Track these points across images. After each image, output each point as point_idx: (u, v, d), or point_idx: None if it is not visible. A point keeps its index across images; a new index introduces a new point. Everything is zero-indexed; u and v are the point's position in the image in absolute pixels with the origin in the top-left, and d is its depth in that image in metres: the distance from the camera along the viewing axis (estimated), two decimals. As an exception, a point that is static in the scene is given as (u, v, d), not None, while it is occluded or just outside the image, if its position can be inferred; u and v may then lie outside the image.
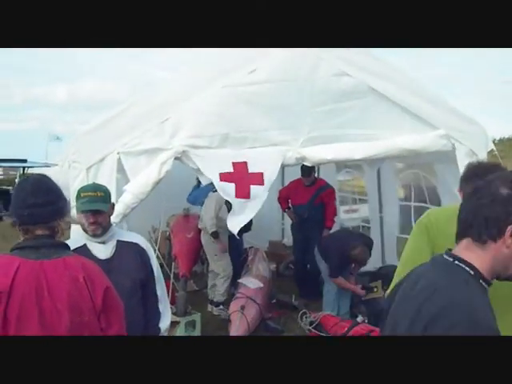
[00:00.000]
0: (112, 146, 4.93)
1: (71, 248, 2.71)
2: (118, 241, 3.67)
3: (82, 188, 3.64)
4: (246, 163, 5.06)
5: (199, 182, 9.19)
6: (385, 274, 7.42)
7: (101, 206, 3.51)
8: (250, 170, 5.06)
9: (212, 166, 5.03)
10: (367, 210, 10.18)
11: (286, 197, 9.01)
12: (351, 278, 7.47)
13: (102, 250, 3.59)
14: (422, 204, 7.29)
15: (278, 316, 7.99)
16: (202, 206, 8.61)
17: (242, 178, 5.02)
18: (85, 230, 3.59)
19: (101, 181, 4.75)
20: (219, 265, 8.14)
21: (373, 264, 7.76)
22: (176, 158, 5.03)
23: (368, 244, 7.24)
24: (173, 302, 7.32)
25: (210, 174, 5.02)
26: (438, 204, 6.82)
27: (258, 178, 5.07)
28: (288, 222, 10.94)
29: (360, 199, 10.21)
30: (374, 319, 7.03)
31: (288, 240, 10.71)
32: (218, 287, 8.15)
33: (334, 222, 8.72)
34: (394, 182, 7.70)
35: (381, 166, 7.89)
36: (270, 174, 5.17)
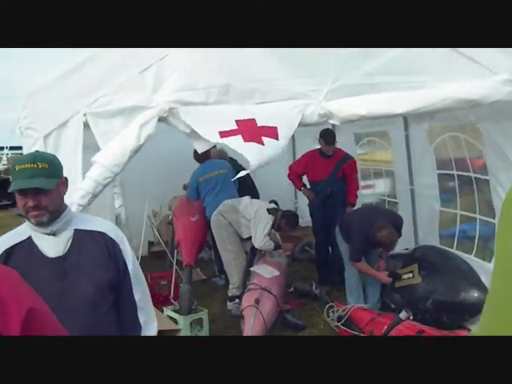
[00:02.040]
0: (76, 105, 3.54)
1: (12, 243, 2.17)
2: (77, 230, 2.46)
3: (18, 160, 2.39)
4: (254, 121, 3.63)
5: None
6: (420, 257, 6.02)
7: (43, 183, 2.29)
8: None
9: (209, 124, 3.60)
10: (383, 185, 8.79)
11: (299, 173, 7.49)
12: (381, 261, 6.07)
13: (53, 245, 2.39)
14: (466, 173, 5.80)
15: (298, 307, 6.63)
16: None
17: (250, 130, 3.59)
18: (27, 218, 2.38)
19: (64, 151, 3.42)
20: (230, 252, 6.75)
21: (404, 245, 6.33)
22: (160, 120, 3.62)
23: (396, 224, 5.80)
24: (176, 297, 6.02)
25: (207, 134, 3.59)
26: (486, 174, 5.36)
27: (272, 132, 3.63)
28: (301, 200, 9.59)
29: (376, 173, 8.78)
30: (412, 311, 5.68)
31: (303, 220, 9.30)
32: (231, 279, 6.78)
33: (357, 198, 7.30)
34: (428, 149, 6.25)
35: (410, 131, 6.44)
36: (286, 130, 3.72)
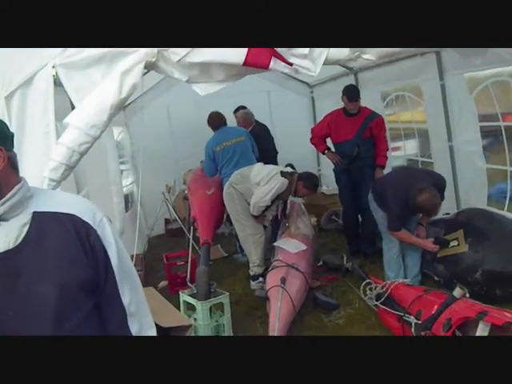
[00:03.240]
0: (43, 56, 2.71)
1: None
2: (37, 214, 1.68)
3: None
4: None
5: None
6: (466, 222, 5.15)
7: None
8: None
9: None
10: (414, 146, 7.89)
11: (322, 135, 6.60)
12: (421, 229, 5.22)
13: (1, 235, 1.62)
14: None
15: (328, 283, 5.82)
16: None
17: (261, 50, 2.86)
18: None
19: (31, 114, 2.64)
20: (246, 226, 5.96)
21: (444, 209, 5.43)
22: (148, 66, 2.78)
23: (438, 185, 4.92)
24: (193, 280, 5.27)
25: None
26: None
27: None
28: (325, 167, 8.74)
29: (406, 134, 7.85)
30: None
31: (328, 188, 8.47)
32: (250, 257, 6.00)
33: (386, 159, 6.41)
34: (468, 99, 5.32)
35: (446, 80, 5.49)
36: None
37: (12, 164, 1.68)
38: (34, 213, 1.66)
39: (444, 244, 5.06)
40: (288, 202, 6.68)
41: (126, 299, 1.79)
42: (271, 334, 4.39)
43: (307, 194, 6.28)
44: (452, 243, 5.04)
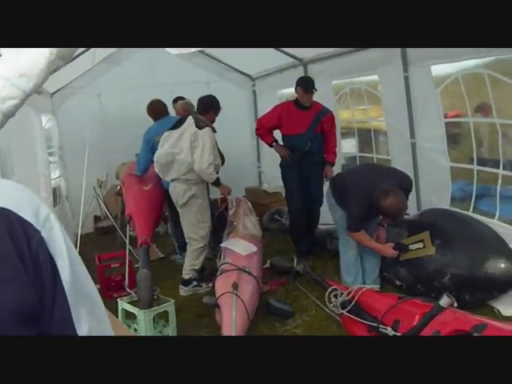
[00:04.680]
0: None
1: None
2: None
3: None
4: None
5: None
6: (431, 223, 4.74)
7: None
8: None
9: None
10: (353, 145, 7.52)
11: (271, 126, 6.04)
12: (381, 230, 4.77)
13: None
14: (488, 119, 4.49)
15: (278, 287, 5.28)
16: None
17: None
18: None
19: None
20: (201, 228, 5.31)
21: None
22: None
23: (405, 187, 4.51)
24: (132, 285, 4.57)
25: None
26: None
27: None
28: (265, 164, 8.21)
29: (345, 133, 7.47)
30: (425, 289, 4.44)
31: (269, 185, 7.94)
32: (190, 260, 5.35)
33: (336, 156, 5.97)
34: (433, 93, 4.92)
35: (411, 72, 5.06)
36: None
37: None
38: None
39: (404, 250, 4.64)
40: (234, 201, 6.13)
41: (83, 329, 1.11)
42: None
43: (219, 110, 5.61)
44: (417, 245, 4.62)
